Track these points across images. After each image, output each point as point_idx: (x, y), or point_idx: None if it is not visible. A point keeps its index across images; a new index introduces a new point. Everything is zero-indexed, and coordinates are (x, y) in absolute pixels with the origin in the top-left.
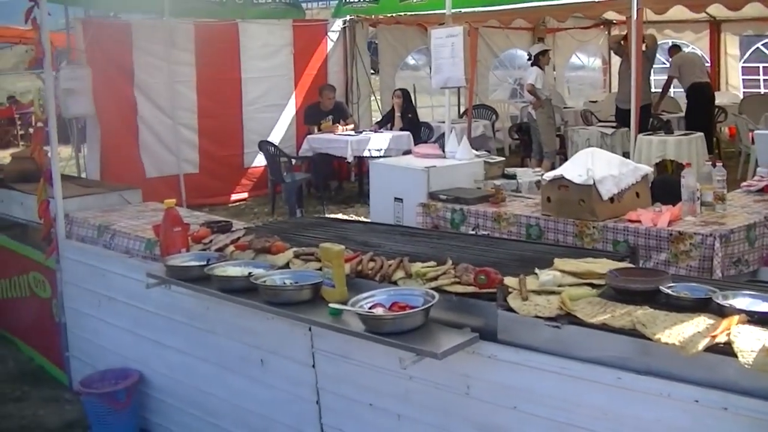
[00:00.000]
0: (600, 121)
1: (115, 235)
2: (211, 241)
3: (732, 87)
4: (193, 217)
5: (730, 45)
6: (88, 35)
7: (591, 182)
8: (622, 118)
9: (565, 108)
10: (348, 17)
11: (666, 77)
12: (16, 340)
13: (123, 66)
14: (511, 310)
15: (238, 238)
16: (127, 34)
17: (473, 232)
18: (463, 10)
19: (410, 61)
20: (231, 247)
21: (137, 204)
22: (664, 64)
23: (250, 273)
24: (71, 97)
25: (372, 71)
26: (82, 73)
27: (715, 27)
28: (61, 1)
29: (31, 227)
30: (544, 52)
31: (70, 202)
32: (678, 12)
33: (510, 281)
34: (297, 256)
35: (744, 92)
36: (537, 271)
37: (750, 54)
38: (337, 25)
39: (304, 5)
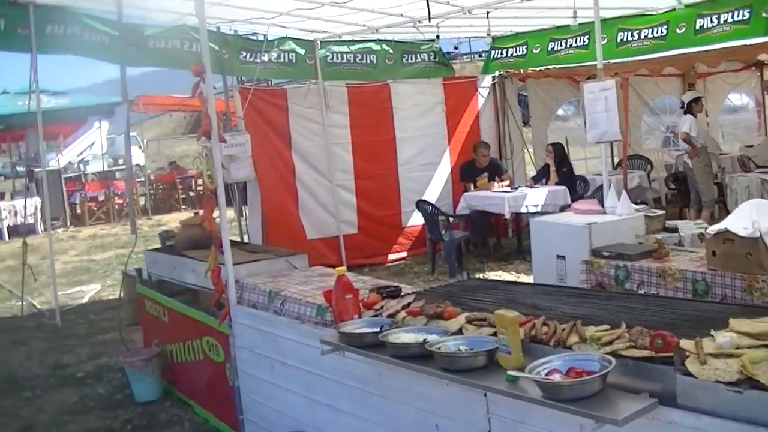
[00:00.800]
0: (758, 166)
1: (286, 301)
2: (382, 307)
3: None
4: (359, 282)
5: None
6: (245, 102)
7: (757, 234)
8: None
9: (721, 154)
10: (497, 73)
11: None
12: (192, 402)
13: (280, 130)
14: (689, 374)
15: (409, 304)
16: (283, 99)
17: (641, 292)
18: (612, 60)
19: (559, 111)
20: (402, 313)
21: (304, 269)
22: None
23: (424, 340)
24: (233, 162)
25: (523, 123)
26: (242, 139)
27: None
28: (219, 71)
29: (203, 293)
30: (697, 99)
31: (240, 269)
32: None
33: (686, 344)
34: (469, 321)
35: None
36: (713, 332)
37: None
38: (487, 81)
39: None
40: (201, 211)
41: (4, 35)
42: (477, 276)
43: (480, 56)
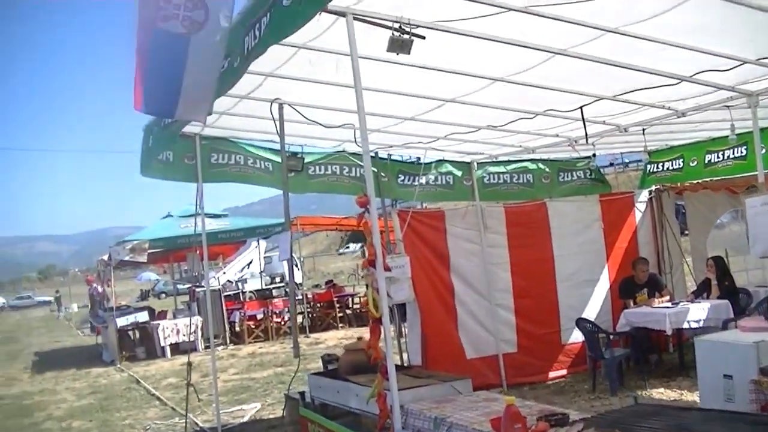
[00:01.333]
0: None
1: (452, 428)
2: None
3: None
4: (525, 407)
5: None
6: (404, 225)
7: None
8: None
9: None
10: (654, 187)
11: None
12: None
13: (438, 251)
14: None
15: None
16: (441, 221)
17: None
18: None
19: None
20: None
21: (468, 393)
22: None
23: None
24: (393, 285)
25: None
26: (401, 262)
27: None
28: (378, 194)
29: (364, 417)
30: None
31: (405, 394)
32: None
33: None
34: None
35: None
36: None
37: None
38: (644, 195)
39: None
40: (364, 336)
41: (173, 166)
42: (638, 393)
43: (627, 165)
